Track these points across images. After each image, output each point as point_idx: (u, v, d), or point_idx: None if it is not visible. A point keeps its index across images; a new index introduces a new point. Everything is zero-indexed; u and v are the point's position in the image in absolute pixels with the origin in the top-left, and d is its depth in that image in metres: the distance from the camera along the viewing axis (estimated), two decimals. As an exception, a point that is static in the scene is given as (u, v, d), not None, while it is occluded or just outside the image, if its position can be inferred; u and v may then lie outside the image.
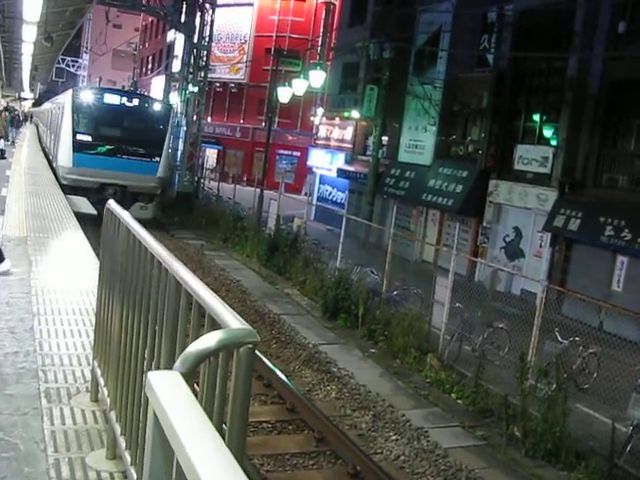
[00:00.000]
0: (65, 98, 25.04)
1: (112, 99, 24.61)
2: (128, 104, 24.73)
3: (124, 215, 3.96)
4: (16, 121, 45.34)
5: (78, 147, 23.28)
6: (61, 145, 23.73)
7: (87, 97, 24.12)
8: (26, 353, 5.51)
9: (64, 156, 23.41)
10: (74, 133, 23.37)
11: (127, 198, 22.62)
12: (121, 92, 27.68)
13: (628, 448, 10.14)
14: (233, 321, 2.09)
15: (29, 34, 23.14)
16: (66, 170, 23.14)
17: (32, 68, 39.61)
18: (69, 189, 21.21)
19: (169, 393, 1.66)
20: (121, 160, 23.78)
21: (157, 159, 24.55)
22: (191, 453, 1.37)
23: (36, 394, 4.67)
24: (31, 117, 68.14)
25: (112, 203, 4.35)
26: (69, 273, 8.76)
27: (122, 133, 24.71)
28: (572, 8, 19.30)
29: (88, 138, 23.63)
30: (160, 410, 1.62)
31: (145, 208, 23.98)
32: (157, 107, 25.70)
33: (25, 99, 79.08)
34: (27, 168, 23.07)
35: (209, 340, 2.00)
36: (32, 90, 74.01)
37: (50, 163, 27.04)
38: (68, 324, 6.53)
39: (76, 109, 23.59)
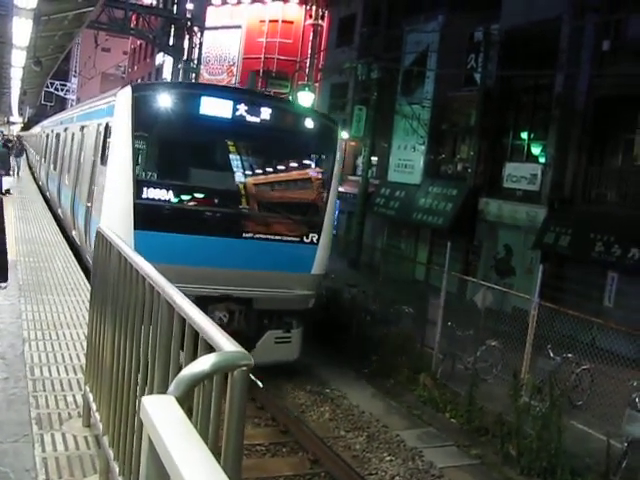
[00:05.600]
0: (114, 104, 12.00)
1: (217, 107, 11.94)
2: (251, 118, 12.08)
3: (115, 238, 3.94)
4: (16, 150, 38.41)
5: (146, 217, 11.25)
6: (105, 210, 11.29)
7: (164, 102, 11.56)
8: (17, 379, 5.46)
9: None
10: (137, 185, 11.25)
11: (251, 322, 12.35)
12: (233, 91, 15.00)
13: (624, 464, 10.11)
14: (227, 344, 2.08)
15: (18, 59, 22.72)
16: None
17: (21, 92, 39.50)
18: None
19: (164, 417, 1.64)
20: (239, 243, 11.89)
21: (314, 237, 12.53)
22: (188, 478, 1.36)
23: (27, 420, 4.62)
24: (20, 141, 67.93)
25: (104, 229, 4.30)
26: (60, 298, 8.71)
27: (241, 183, 12.34)
28: (557, 26, 19.49)
29: (167, 195, 11.47)
30: (155, 435, 1.60)
31: (285, 340, 12.87)
32: (309, 125, 12.63)
33: (14, 123, 79.06)
34: (17, 193, 22.98)
35: (203, 363, 1.98)
36: (21, 114, 74.01)
37: (67, 236, 15.33)
38: (59, 349, 6.49)
39: (141, 129, 11.46)
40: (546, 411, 10.95)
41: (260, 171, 12.86)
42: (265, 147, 13.01)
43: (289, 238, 12.33)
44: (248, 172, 12.53)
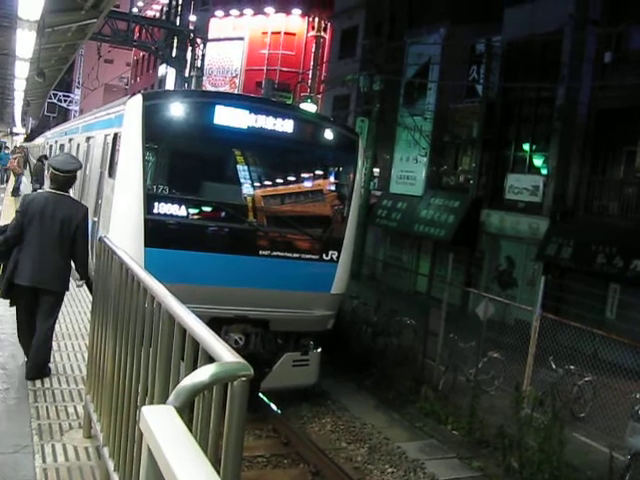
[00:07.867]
0: (124, 113, 11.24)
1: (233, 116, 11.25)
2: (269, 128, 11.42)
3: (117, 249, 3.94)
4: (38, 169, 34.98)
5: (157, 233, 10.64)
6: (113, 226, 10.61)
7: (177, 111, 10.84)
8: (17, 389, 5.46)
9: None
10: (148, 199, 10.61)
11: (268, 345, 11.70)
12: (250, 100, 13.11)
13: (626, 477, 10.06)
14: (227, 355, 2.08)
15: (22, 70, 22.69)
16: None
17: (24, 104, 39.64)
18: None
19: (163, 428, 1.65)
20: (257, 261, 11.18)
21: (334, 255, 11.91)
22: (186, 489, 1.36)
23: (28, 431, 4.62)
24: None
25: (106, 239, 4.30)
26: (61, 308, 8.69)
27: (258, 198, 11.51)
28: (559, 38, 19.55)
29: (180, 210, 10.82)
30: (154, 445, 1.60)
31: (303, 363, 12.22)
32: (330, 136, 11.95)
33: (17, 134, 79.30)
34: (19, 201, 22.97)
35: (203, 374, 1.99)
36: (24, 125, 74.21)
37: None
38: (60, 359, 6.48)
39: (152, 140, 10.86)
40: (548, 423, 10.91)
41: (278, 185, 12.03)
42: (284, 160, 12.36)
43: (308, 256, 11.63)
44: (266, 186, 11.76)
